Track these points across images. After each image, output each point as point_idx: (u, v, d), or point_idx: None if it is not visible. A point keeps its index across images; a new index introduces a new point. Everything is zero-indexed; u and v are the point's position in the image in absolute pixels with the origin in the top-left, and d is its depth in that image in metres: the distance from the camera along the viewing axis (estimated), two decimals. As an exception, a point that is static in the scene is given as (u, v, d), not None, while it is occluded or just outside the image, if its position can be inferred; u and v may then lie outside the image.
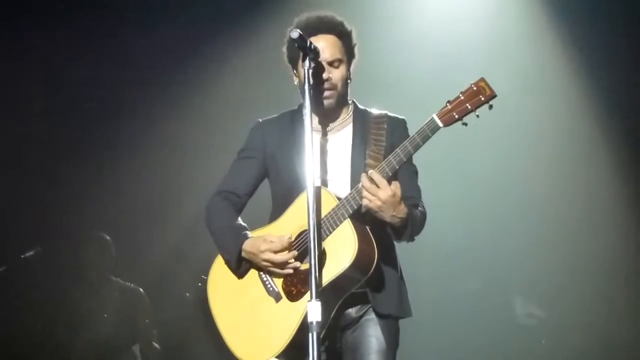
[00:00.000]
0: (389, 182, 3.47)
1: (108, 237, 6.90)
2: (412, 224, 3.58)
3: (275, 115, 3.92)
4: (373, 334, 3.64)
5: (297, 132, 3.67)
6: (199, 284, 6.95)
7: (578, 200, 7.18)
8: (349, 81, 3.78)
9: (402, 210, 3.50)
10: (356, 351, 3.65)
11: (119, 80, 7.20)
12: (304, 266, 3.56)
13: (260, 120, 3.92)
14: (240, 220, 3.81)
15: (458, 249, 7.22)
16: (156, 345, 6.85)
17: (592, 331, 7.02)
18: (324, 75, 3.65)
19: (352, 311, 3.68)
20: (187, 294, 7.17)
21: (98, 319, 6.67)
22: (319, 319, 3.18)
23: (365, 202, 3.46)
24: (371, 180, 3.45)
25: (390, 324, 3.70)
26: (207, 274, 3.82)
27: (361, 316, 3.68)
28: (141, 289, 6.88)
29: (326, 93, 3.68)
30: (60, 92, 7.21)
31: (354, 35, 3.79)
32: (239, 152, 3.91)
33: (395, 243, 3.75)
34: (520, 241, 7.18)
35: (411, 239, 3.64)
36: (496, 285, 7.23)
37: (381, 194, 3.43)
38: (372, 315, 3.66)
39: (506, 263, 7.20)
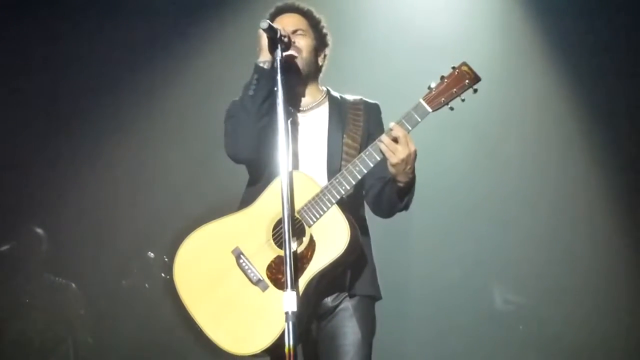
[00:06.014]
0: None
1: (40, 231, 6.76)
2: (413, 190, 3.58)
3: None
4: (348, 324, 3.61)
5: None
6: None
7: (555, 189, 7.23)
8: (319, 61, 3.77)
9: (412, 170, 3.50)
10: (332, 342, 3.61)
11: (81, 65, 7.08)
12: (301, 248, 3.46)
13: None
14: None
15: (436, 236, 7.25)
16: (89, 339, 6.78)
17: (569, 318, 7.07)
18: (286, 39, 3.52)
19: (329, 300, 3.64)
20: (123, 282, 7.10)
21: (28, 312, 6.57)
22: (295, 309, 3.16)
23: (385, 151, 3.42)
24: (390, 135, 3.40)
25: (366, 312, 3.67)
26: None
27: (337, 305, 3.64)
28: (73, 284, 6.77)
29: (292, 56, 3.61)
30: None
31: (323, 24, 3.78)
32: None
33: (368, 231, 3.75)
34: (498, 229, 7.21)
35: (407, 207, 3.64)
36: (474, 272, 7.26)
37: (403, 149, 3.40)
38: (347, 304, 3.63)
39: (484, 250, 7.24)
